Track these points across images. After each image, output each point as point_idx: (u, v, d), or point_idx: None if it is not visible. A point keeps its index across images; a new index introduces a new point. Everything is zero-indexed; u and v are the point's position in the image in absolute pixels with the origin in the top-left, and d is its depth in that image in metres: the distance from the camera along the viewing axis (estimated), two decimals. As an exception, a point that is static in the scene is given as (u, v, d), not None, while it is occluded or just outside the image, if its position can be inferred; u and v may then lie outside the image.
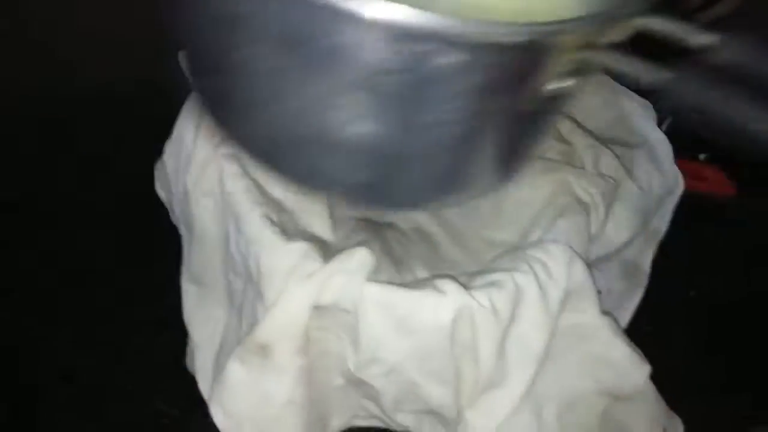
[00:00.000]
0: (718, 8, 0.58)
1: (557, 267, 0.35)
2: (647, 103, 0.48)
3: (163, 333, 0.44)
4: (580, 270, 0.36)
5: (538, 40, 0.22)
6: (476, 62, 0.23)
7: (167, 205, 0.45)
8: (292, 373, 0.34)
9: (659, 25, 0.26)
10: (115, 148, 0.54)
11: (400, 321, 0.33)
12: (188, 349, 0.42)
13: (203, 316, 0.41)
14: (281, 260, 0.33)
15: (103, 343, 0.44)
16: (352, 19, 0.22)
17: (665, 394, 0.39)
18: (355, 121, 0.26)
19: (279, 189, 0.38)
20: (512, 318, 0.34)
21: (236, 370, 0.34)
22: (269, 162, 0.31)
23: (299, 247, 0.34)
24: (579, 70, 0.24)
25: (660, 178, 0.45)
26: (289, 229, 0.36)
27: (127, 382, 0.43)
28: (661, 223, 0.46)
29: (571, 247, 0.37)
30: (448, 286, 0.34)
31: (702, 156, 0.53)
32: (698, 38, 0.25)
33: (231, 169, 0.37)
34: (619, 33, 0.25)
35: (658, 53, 0.24)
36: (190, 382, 0.40)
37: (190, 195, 0.39)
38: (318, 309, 0.33)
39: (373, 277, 0.34)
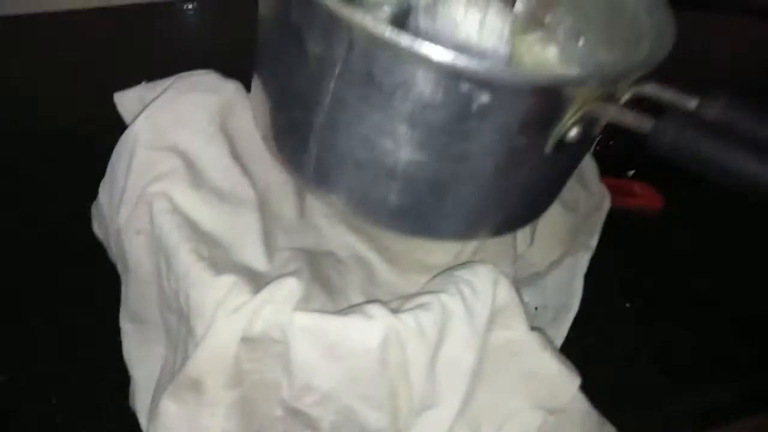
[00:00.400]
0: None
1: (483, 286, 0.37)
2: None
3: (106, 372, 0.44)
4: (505, 288, 0.37)
5: (557, 88, 0.28)
6: (508, 103, 0.28)
7: (105, 244, 0.45)
8: (225, 406, 0.34)
9: (653, 90, 0.31)
10: (59, 184, 0.54)
11: (329, 348, 0.34)
12: (131, 388, 0.42)
13: (142, 353, 0.41)
14: (209, 295, 0.34)
15: (45, 383, 0.44)
16: (420, 60, 0.27)
17: (606, 405, 0.40)
18: (402, 149, 0.31)
19: (212, 223, 0.39)
20: (440, 338, 0.35)
21: (169, 407, 0.34)
22: (323, 189, 0.36)
23: (227, 280, 0.34)
24: (585, 119, 0.29)
25: (586, 195, 0.47)
26: (221, 263, 0.37)
27: (69, 423, 0.42)
28: (591, 239, 0.47)
29: (496, 267, 0.38)
30: (376, 310, 0.34)
31: (630, 172, 0.55)
32: (684, 102, 0.30)
33: (160, 205, 0.37)
34: (621, 92, 0.30)
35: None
36: (134, 420, 0.40)
37: (123, 233, 0.40)
38: (249, 341, 0.34)
39: (304, 306, 0.35)
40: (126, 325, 0.42)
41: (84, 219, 0.47)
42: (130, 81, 0.46)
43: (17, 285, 0.48)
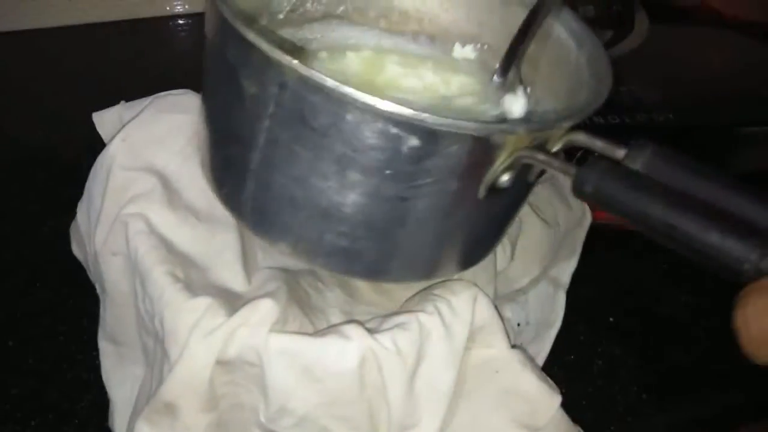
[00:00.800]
0: (623, 44, 0.61)
1: (462, 305, 0.36)
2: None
3: (87, 391, 0.43)
4: (485, 306, 0.37)
5: (485, 135, 0.29)
6: (436, 148, 0.29)
7: (84, 265, 0.45)
8: (201, 430, 0.34)
9: (584, 139, 0.32)
10: (38, 203, 0.54)
11: (306, 369, 0.34)
12: (110, 409, 0.42)
13: (121, 375, 0.41)
14: (183, 317, 0.33)
15: (24, 403, 0.43)
16: (347, 103, 0.28)
17: (588, 422, 0.40)
18: (336, 191, 0.31)
19: (189, 243, 0.39)
20: (419, 358, 0.35)
21: (144, 431, 0.34)
22: (260, 228, 0.36)
23: (201, 302, 0.34)
24: (516, 166, 0.30)
25: (567, 211, 0.47)
26: (197, 285, 0.36)
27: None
28: (572, 255, 0.47)
29: (476, 284, 0.38)
30: (353, 331, 0.34)
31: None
32: (612, 151, 0.31)
33: (136, 227, 0.37)
34: (553, 141, 0.32)
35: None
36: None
37: (100, 254, 0.40)
38: (224, 364, 0.34)
39: (280, 327, 0.35)
40: (104, 346, 0.42)
41: (64, 238, 0.47)
42: (116, 98, 0.46)
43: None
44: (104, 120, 0.44)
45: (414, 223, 0.32)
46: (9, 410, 0.42)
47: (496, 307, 0.38)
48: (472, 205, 0.32)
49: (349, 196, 0.31)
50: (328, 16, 0.44)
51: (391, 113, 0.27)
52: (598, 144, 0.31)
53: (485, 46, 0.44)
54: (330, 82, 0.27)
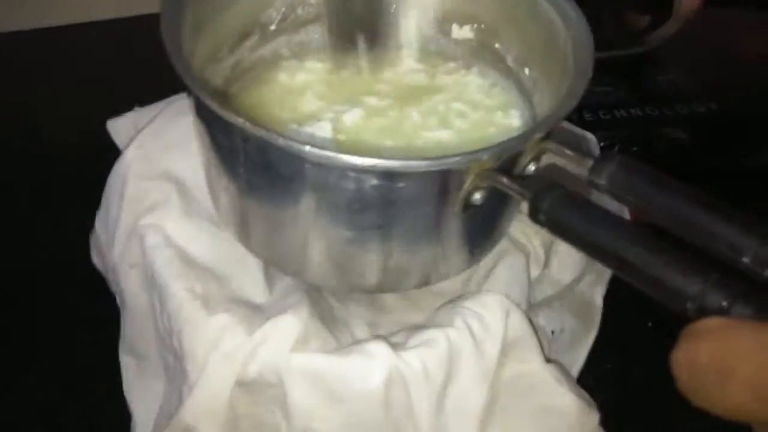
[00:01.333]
0: (661, 31, 0.58)
1: (494, 319, 0.34)
2: (592, 137, 0.48)
3: (109, 404, 0.42)
4: (518, 320, 0.35)
5: (438, 170, 0.29)
6: (397, 185, 0.30)
7: (104, 275, 0.44)
8: (221, 453, 0.32)
9: (553, 149, 0.31)
10: (59, 209, 0.53)
11: (329, 390, 0.32)
12: (131, 424, 0.41)
13: (142, 390, 0.40)
14: (202, 336, 0.32)
15: (47, 416, 0.43)
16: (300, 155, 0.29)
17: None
18: (316, 226, 0.32)
19: (207, 253, 0.37)
20: (448, 377, 0.33)
21: (164, 454, 0.33)
22: (270, 260, 0.38)
23: (220, 320, 0.32)
24: (482, 187, 0.31)
25: (608, 201, 0.44)
26: (216, 300, 0.35)
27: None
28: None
29: (508, 296, 0.36)
30: (378, 348, 0.32)
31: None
32: (580, 163, 0.30)
33: (152, 240, 0.36)
34: (523, 155, 0.31)
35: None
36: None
37: (118, 266, 0.38)
38: (245, 384, 0.32)
39: (302, 345, 0.33)
40: (125, 359, 0.41)
41: (86, 245, 0.46)
42: (134, 96, 0.45)
43: (17, 314, 0.47)
44: (119, 127, 0.43)
45: (397, 244, 0.33)
46: (31, 422, 0.42)
47: (530, 320, 0.36)
48: (453, 219, 0.32)
49: (330, 229, 0.32)
50: (322, 15, 0.43)
51: (345, 164, 0.28)
52: (566, 154, 0.31)
53: (482, 26, 0.43)
54: (281, 141, 0.28)
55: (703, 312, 0.23)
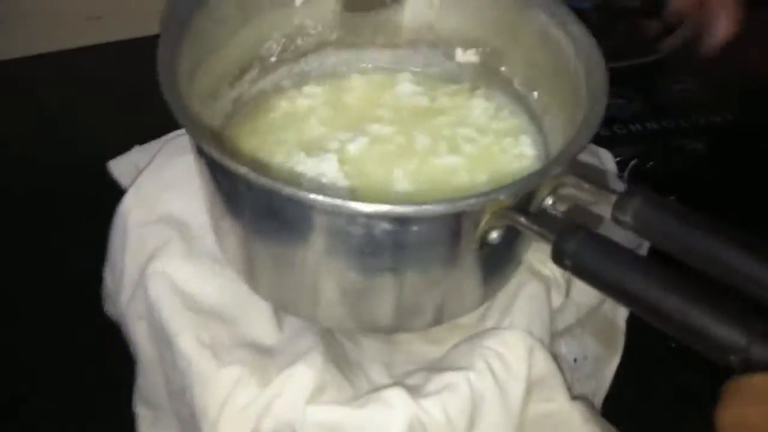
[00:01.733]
0: (671, 39, 0.56)
1: (516, 358, 0.33)
2: (608, 153, 0.46)
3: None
4: (542, 358, 0.34)
5: (451, 213, 0.28)
6: (408, 227, 0.29)
7: (117, 324, 0.43)
8: None
9: (572, 185, 0.30)
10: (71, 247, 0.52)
11: (348, 443, 0.31)
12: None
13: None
14: (213, 392, 0.31)
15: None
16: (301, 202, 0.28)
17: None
18: (327, 270, 0.31)
19: (213, 296, 0.36)
20: (471, 424, 0.32)
21: None
22: (277, 304, 0.36)
23: (231, 373, 0.31)
24: (498, 226, 0.29)
25: (624, 233, 0.43)
26: (226, 346, 0.34)
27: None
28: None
29: (531, 333, 0.34)
30: (397, 397, 0.31)
31: (671, 198, 0.51)
32: (603, 199, 0.29)
33: (156, 290, 0.35)
34: (539, 193, 0.30)
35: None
36: None
37: (127, 318, 0.37)
38: (260, 439, 0.31)
39: (318, 394, 0.32)
40: (140, 410, 0.40)
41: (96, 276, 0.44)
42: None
43: (33, 360, 0.46)
44: (120, 167, 0.42)
45: (410, 285, 0.32)
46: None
47: (554, 358, 0.34)
48: (468, 258, 0.31)
49: (341, 273, 0.31)
50: (323, 44, 0.43)
51: (355, 212, 0.27)
52: (585, 189, 0.30)
53: (487, 49, 0.43)
54: (287, 190, 0.27)
55: (748, 365, 0.21)
